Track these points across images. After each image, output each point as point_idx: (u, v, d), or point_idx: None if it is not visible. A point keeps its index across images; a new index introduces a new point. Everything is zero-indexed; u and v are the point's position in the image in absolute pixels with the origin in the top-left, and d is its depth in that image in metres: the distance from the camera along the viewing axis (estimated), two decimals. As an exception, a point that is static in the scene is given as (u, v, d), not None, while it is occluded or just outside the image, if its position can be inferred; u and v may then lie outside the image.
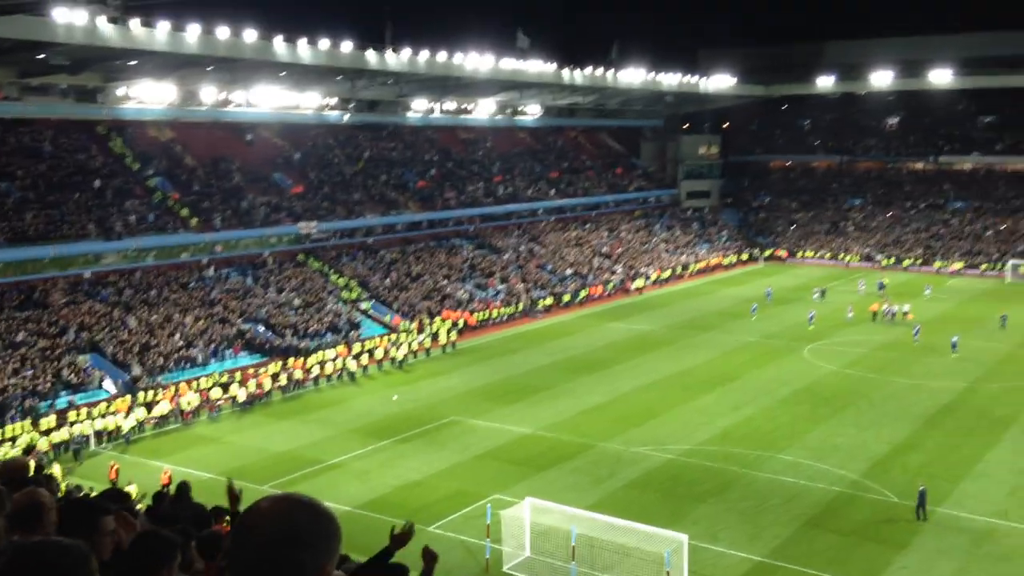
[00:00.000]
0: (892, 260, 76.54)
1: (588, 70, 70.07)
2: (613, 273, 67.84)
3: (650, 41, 78.09)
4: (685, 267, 73.39)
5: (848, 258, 78.47)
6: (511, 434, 34.91)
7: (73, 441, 33.09)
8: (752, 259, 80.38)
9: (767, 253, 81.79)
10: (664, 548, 21.93)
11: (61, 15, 37.20)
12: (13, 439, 32.02)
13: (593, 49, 75.23)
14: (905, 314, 54.46)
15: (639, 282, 67.16)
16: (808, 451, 32.27)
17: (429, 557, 5.99)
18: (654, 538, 22.77)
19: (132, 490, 22.88)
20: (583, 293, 62.56)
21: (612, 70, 71.61)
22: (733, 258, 79.25)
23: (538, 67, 65.33)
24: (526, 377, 43.40)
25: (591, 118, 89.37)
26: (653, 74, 74.71)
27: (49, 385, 35.97)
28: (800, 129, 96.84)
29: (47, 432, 33.04)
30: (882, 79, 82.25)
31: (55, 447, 32.55)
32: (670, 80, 77.15)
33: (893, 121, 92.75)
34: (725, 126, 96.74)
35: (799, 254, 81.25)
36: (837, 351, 47.67)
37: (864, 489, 28.76)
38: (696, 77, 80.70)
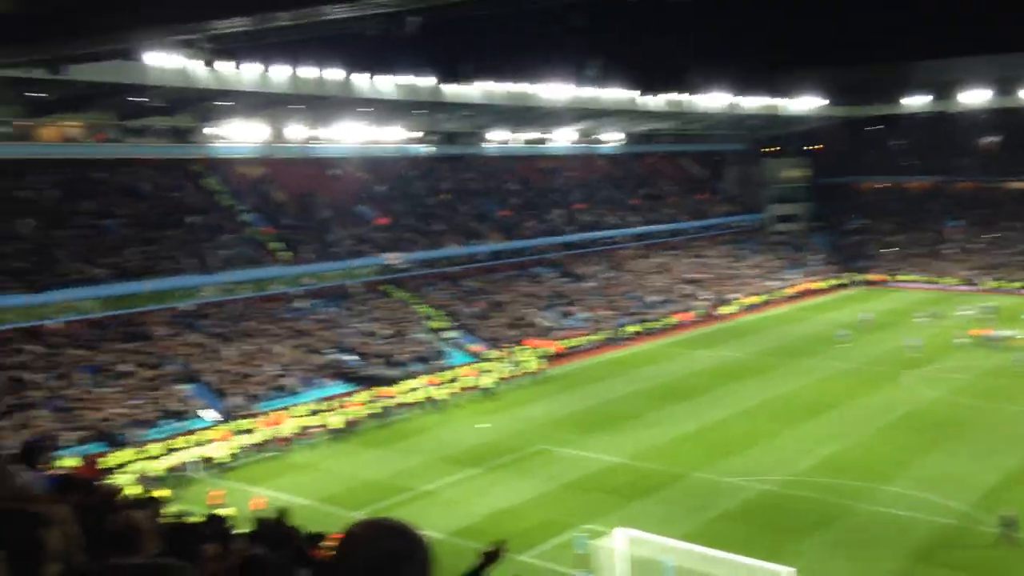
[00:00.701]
0: (996, 283, 73.33)
1: (667, 96, 69.65)
2: (699, 299, 66.77)
3: (731, 64, 77.25)
4: (775, 293, 71.76)
5: (948, 281, 75.53)
6: (600, 463, 34.43)
7: (177, 468, 33.98)
8: (846, 284, 78.08)
9: (861, 277, 79.33)
10: (766, 581, 21.17)
11: (156, 59, 38.81)
12: (122, 465, 33.04)
13: (672, 75, 74.79)
14: (1010, 339, 52.00)
15: (727, 308, 65.93)
16: (914, 481, 30.87)
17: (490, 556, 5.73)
18: (757, 571, 22.00)
19: (230, 515, 23.26)
20: (669, 320, 61.69)
21: (691, 95, 71.02)
22: (826, 283, 77.13)
23: (615, 94, 65.27)
24: (613, 405, 42.87)
25: (671, 143, 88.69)
26: (734, 98, 73.81)
27: (154, 414, 37.12)
28: (892, 149, 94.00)
29: (155, 458, 34.06)
30: (978, 97, 79.50)
31: (157, 477, 33.43)
32: (752, 103, 76.11)
33: (991, 140, 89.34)
34: (813, 148, 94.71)
35: (895, 277, 78.55)
36: (940, 377, 45.72)
37: (975, 521, 27.34)
38: (780, 99, 79.40)
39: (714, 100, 72.25)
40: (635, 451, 35.56)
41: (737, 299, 67.93)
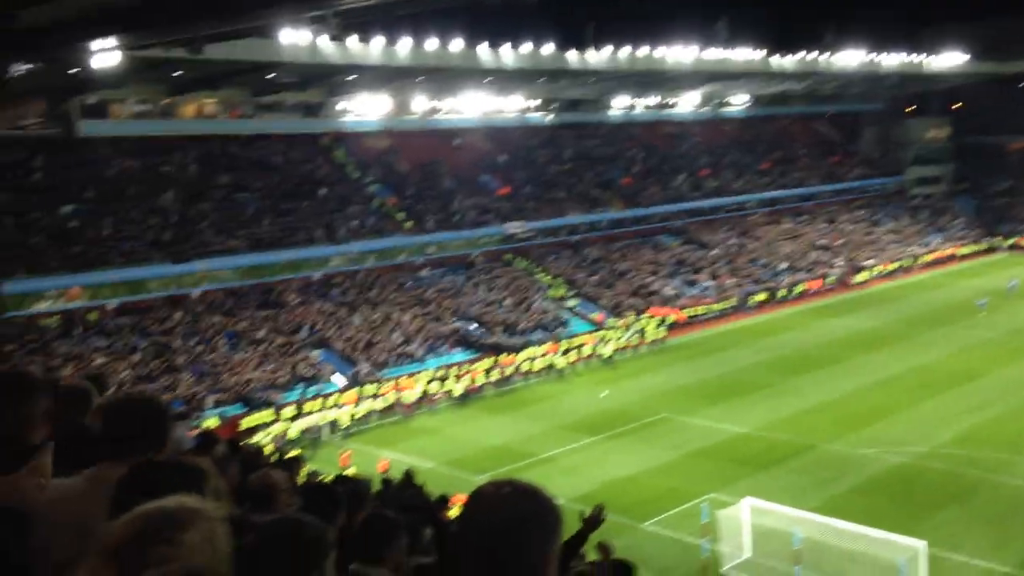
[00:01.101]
0: None
1: (800, 55, 66.80)
2: (832, 267, 64.27)
3: (868, 20, 73.23)
4: (914, 259, 68.28)
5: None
6: (725, 433, 33.77)
7: (309, 431, 35.45)
8: (992, 249, 73.47)
9: (1010, 242, 74.44)
10: (899, 556, 20.31)
11: (287, 36, 39.95)
12: (259, 427, 34.71)
13: (805, 33, 71.61)
14: None
15: (862, 275, 63.19)
16: (1064, 456, 28.93)
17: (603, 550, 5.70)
18: (888, 544, 21.13)
19: (359, 476, 24.06)
20: (799, 288, 59.68)
21: (826, 54, 67.86)
22: (970, 248, 72.82)
23: (745, 55, 63.05)
24: (740, 374, 41.91)
25: (804, 105, 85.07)
26: (872, 55, 70.06)
27: (287, 378, 38.80)
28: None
29: (288, 421, 35.65)
30: None
31: (291, 439, 34.91)
32: (891, 61, 72.06)
33: None
34: (956, 106, 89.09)
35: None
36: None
37: None
38: (921, 56, 74.86)
39: (850, 58, 68.76)
40: (762, 421, 34.70)
41: (872, 266, 65.01)
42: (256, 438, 32.90)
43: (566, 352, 45.09)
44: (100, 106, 46.22)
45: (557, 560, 2.00)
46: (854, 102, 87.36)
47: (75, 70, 35.41)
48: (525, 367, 43.23)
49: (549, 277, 54.93)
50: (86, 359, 36.15)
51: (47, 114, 45.24)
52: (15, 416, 3.15)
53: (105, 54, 30.67)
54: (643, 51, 57.47)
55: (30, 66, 28.03)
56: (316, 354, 41.50)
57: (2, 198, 41.30)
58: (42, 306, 38.45)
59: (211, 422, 32.70)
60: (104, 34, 24.89)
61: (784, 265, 63.16)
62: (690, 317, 52.84)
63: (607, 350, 45.88)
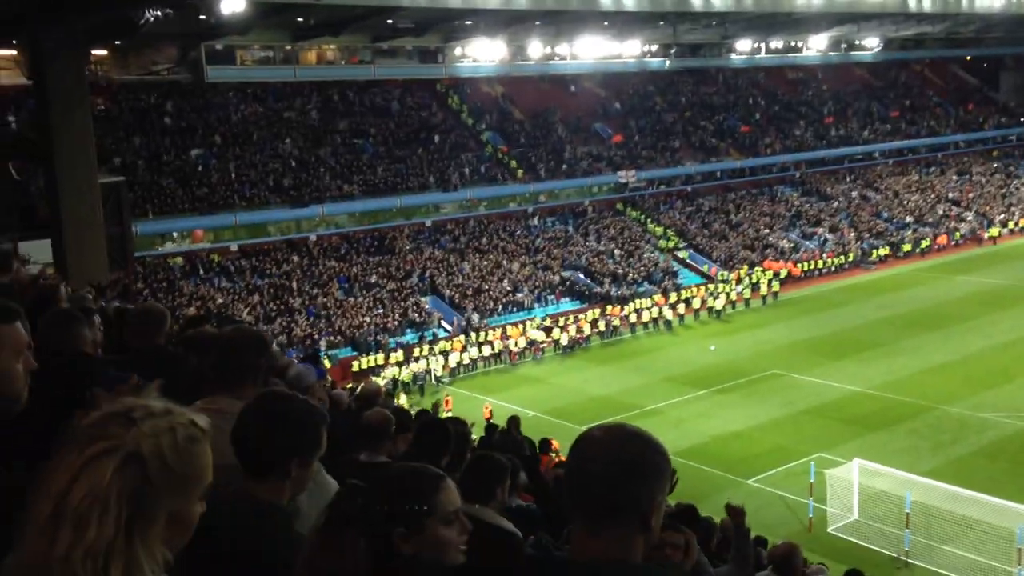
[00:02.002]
0: None
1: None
2: (962, 221, 61.02)
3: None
4: (1053, 214, 64.07)
5: None
6: (839, 391, 32.88)
7: (418, 375, 36.38)
8: None
9: None
10: (1017, 523, 19.50)
11: (407, -20, 40.16)
12: (370, 370, 35.86)
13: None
14: None
15: (994, 230, 59.80)
16: None
17: (735, 513, 5.70)
18: (1005, 512, 20.29)
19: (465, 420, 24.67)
20: (925, 243, 57.00)
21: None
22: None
23: (878, -6, 59.73)
24: (856, 332, 40.56)
25: (940, 48, 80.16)
26: (1019, -6, 65.26)
27: (397, 323, 39.82)
28: None
29: (398, 364, 36.67)
30: None
31: (402, 382, 35.90)
32: (1040, -1, 66.91)
33: None
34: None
35: None
36: None
37: None
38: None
39: (993, -2, 64.26)
40: (879, 381, 33.59)
41: (1007, 220, 61.37)
42: (374, 380, 34.08)
43: (675, 304, 44.58)
44: (227, 52, 47.76)
45: (663, 507, 1.98)
46: (994, 46, 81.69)
47: (204, 16, 36.67)
48: (632, 318, 43.01)
49: (660, 228, 54.17)
50: (208, 299, 38.01)
51: (177, 60, 47.09)
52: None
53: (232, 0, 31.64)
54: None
55: (163, 12, 29.13)
56: (425, 300, 42.37)
57: (136, 141, 43.41)
58: (169, 247, 40.56)
59: (323, 364, 33.94)
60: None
61: (910, 219, 60.37)
62: (806, 271, 51.28)
63: (718, 304, 45.10)
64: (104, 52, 43.11)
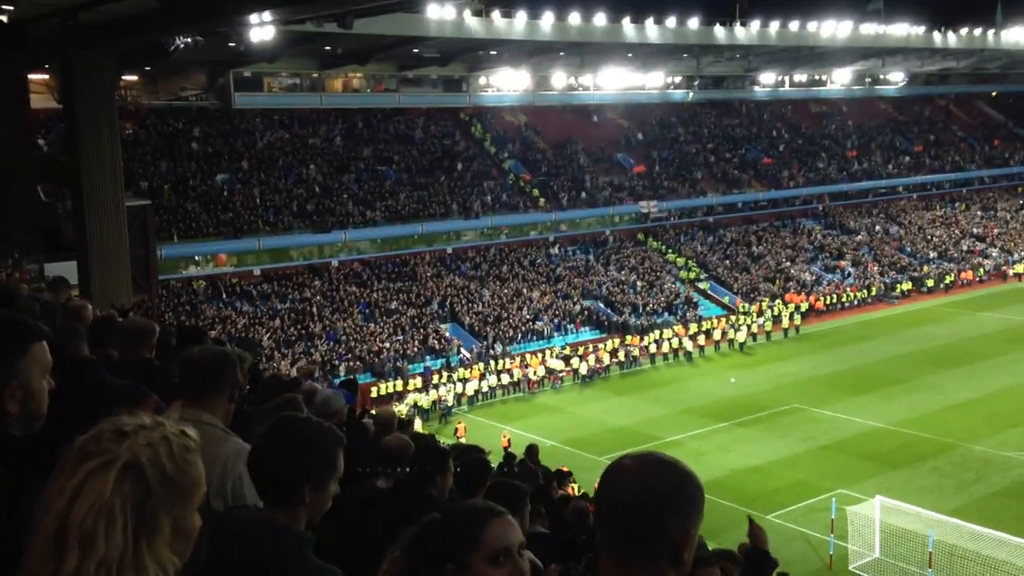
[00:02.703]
0: None
1: (964, 31, 62.76)
2: (987, 257, 60.47)
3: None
4: (1080, 252, 63.38)
5: None
6: (860, 427, 32.49)
7: (435, 402, 36.24)
8: None
9: None
10: (1045, 568, 19.14)
11: (433, 11, 40.68)
12: (388, 396, 35.84)
13: (971, 7, 67.09)
14: None
15: (1019, 267, 59.19)
16: None
17: (755, 532, 5.42)
18: (1032, 555, 19.95)
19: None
20: (949, 278, 56.49)
21: (994, 30, 63.44)
22: None
23: (904, 30, 59.78)
24: (879, 367, 40.14)
25: (966, 84, 79.96)
26: (1046, 30, 65.01)
27: (416, 350, 39.84)
28: None
29: (417, 391, 36.60)
30: None
31: (420, 408, 35.74)
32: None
33: None
34: None
35: None
36: None
37: None
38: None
39: (1020, 35, 64.02)
40: (901, 417, 33.18)
41: (1034, 258, 60.78)
42: (396, 407, 34.10)
43: (695, 336, 44.35)
44: (254, 79, 48.48)
45: (695, 540, 1.93)
46: (1020, 82, 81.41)
47: (233, 44, 37.26)
48: (652, 349, 42.83)
49: (682, 258, 54.05)
50: (231, 322, 38.22)
51: (206, 86, 47.82)
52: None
53: (261, 28, 32.12)
54: (794, 25, 55.43)
55: (193, 39, 29.63)
56: (445, 327, 42.39)
57: (163, 165, 43.98)
58: (192, 270, 40.92)
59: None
60: (262, 8, 26.02)
61: (933, 253, 59.91)
62: (828, 305, 50.93)
63: (740, 336, 44.85)
64: (134, 77, 43.89)
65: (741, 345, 44.51)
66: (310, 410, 5.63)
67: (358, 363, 37.91)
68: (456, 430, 31.85)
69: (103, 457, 1.48)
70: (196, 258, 41.21)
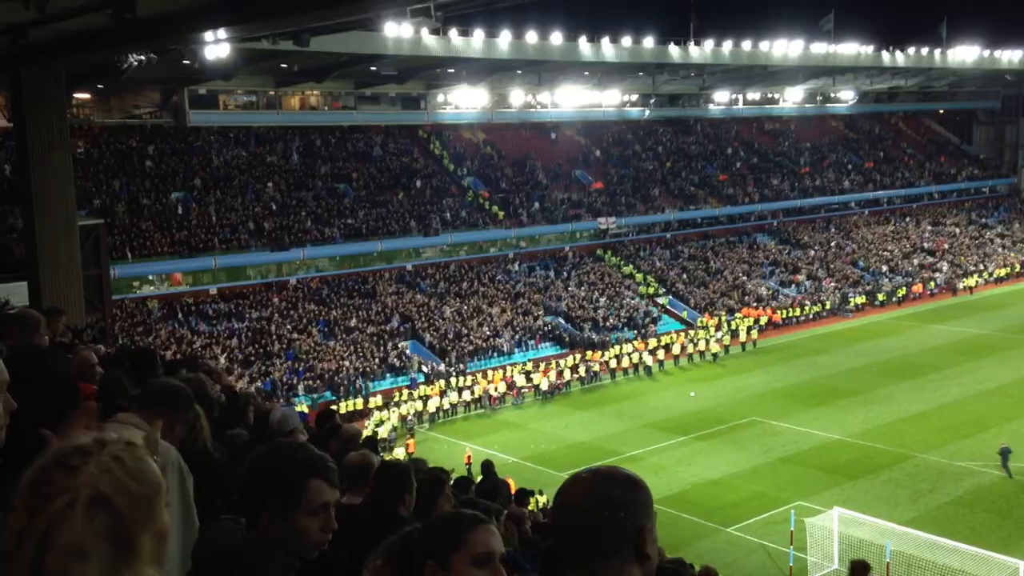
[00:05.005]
0: None
1: (911, 50, 64.35)
2: (937, 271, 61.82)
3: (988, 13, 69.96)
4: (1025, 265, 65.10)
5: None
6: (817, 439, 32.93)
7: (404, 420, 35.92)
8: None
9: None
10: (997, 574, 19.50)
11: (390, 29, 40.68)
12: (347, 414, 35.47)
13: (918, 26, 68.89)
14: None
15: (969, 280, 60.60)
16: None
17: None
18: (986, 562, 20.32)
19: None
20: (901, 292, 57.63)
21: (940, 49, 65.13)
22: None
23: (853, 49, 61.13)
24: (834, 379, 40.77)
25: (914, 102, 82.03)
26: (990, 51, 66.93)
27: (376, 368, 39.58)
28: None
29: (376, 409, 36.30)
30: None
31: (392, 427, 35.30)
32: (1011, 57, 68.69)
33: None
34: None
35: None
36: None
37: None
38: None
39: (966, 54, 65.80)
40: (856, 429, 33.70)
41: (981, 271, 62.28)
42: (372, 424, 33.84)
43: (655, 350, 44.67)
44: (210, 96, 48.05)
45: (654, 535, 2.01)
46: (967, 100, 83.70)
47: (188, 61, 36.90)
48: (612, 364, 43.03)
49: (641, 274, 54.49)
50: (186, 342, 37.67)
51: (160, 103, 47.27)
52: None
53: (216, 46, 31.82)
54: (747, 45, 56.38)
55: (145, 57, 29.27)
56: (405, 344, 42.18)
57: (116, 184, 43.33)
58: (147, 290, 40.28)
59: (301, 408, 33.60)
60: (216, 25, 25.81)
61: (886, 268, 61.09)
62: (784, 318, 51.65)
63: (697, 349, 45.31)
64: (87, 95, 43.26)
65: (715, 356, 45.02)
66: (266, 430, 5.58)
67: (317, 381, 37.57)
68: (407, 446, 31.70)
69: (64, 497, 1.42)
70: (151, 277, 40.59)
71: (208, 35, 28.86)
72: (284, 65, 45.03)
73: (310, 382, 37.32)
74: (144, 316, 39.28)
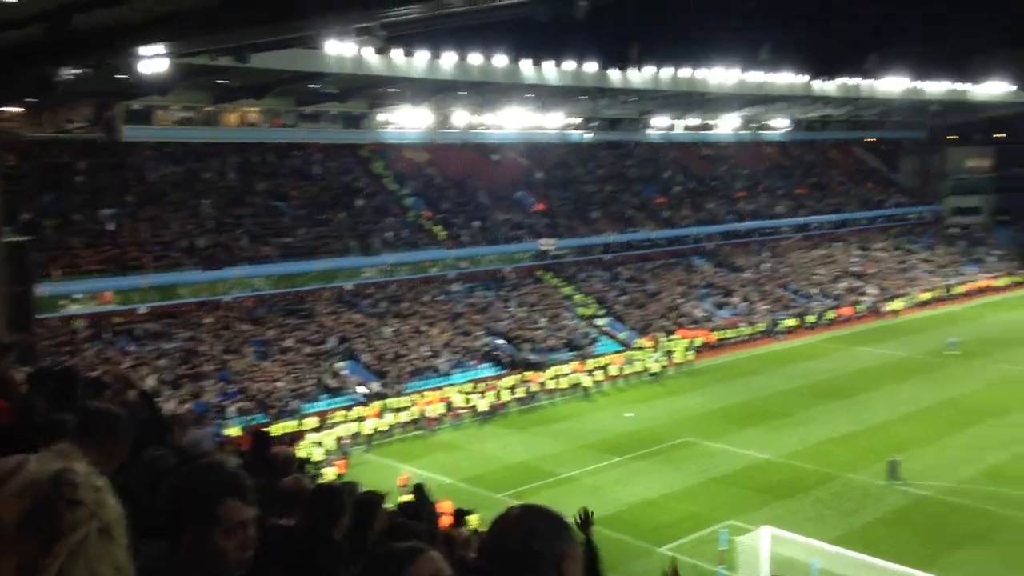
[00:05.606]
0: None
1: (842, 80, 66.44)
2: (865, 294, 63.63)
3: (913, 47, 72.60)
4: (948, 290, 67.41)
5: None
6: (749, 459, 33.56)
7: (342, 443, 35.58)
8: (1030, 282, 72.35)
9: (1049, 276, 73.18)
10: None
11: (333, 47, 40.62)
12: (281, 437, 34.97)
13: (848, 58, 71.12)
14: None
15: (895, 304, 62.50)
16: (1096, 499, 28.41)
17: None
18: (908, 581, 20.95)
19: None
20: (830, 315, 59.17)
21: (869, 80, 67.37)
22: (1005, 280, 71.73)
23: (787, 79, 62.87)
24: (766, 401, 41.62)
25: (844, 130, 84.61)
26: (916, 82, 69.47)
27: (312, 389, 39.17)
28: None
29: (312, 431, 35.90)
30: None
31: (329, 449, 34.95)
32: (936, 88, 71.38)
33: None
34: (999, 137, 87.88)
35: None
36: None
37: None
38: (966, 84, 74.06)
39: (893, 85, 68.19)
40: (787, 449, 34.44)
41: (906, 295, 64.31)
42: (309, 447, 33.41)
43: (592, 371, 45.08)
44: (145, 111, 47.29)
45: (577, 560, 2.31)
46: (895, 129, 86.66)
47: (123, 76, 36.27)
48: (551, 384, 43.29)
49: (580, 295, 54.99)
50: (114, 362, 36.75)
51: (93, 118, 46.32)
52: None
53: (153, 60, 31.39)
54: (685, 72, 57.59)
55: (79, 70, 28.73)
56: (343, 365, 41.84)
57: (45, 199, 42.28)
58: (74, 308, 39.19)
59: (233, 431, 33.10)
60: (153, 40, 25.50)
61: (816, 291, 62.68)
62: (719, 340, 52.60)
63: (635, 370, 45.91)
64: (18, 109, 42.20)
65: (637, 379, 45.54)
66: (175, 450, 5.59)
67: (250, 403, 37.00)
68: (337, 467, 31.44)
69: (78, 531, 1.40)
70: (78, 296, 39.45)
71: (145, 50, 28.55)
72: (223, 81, 44.55)
73: (243, 404, 36.73)
74: (70, 336, 38.24)
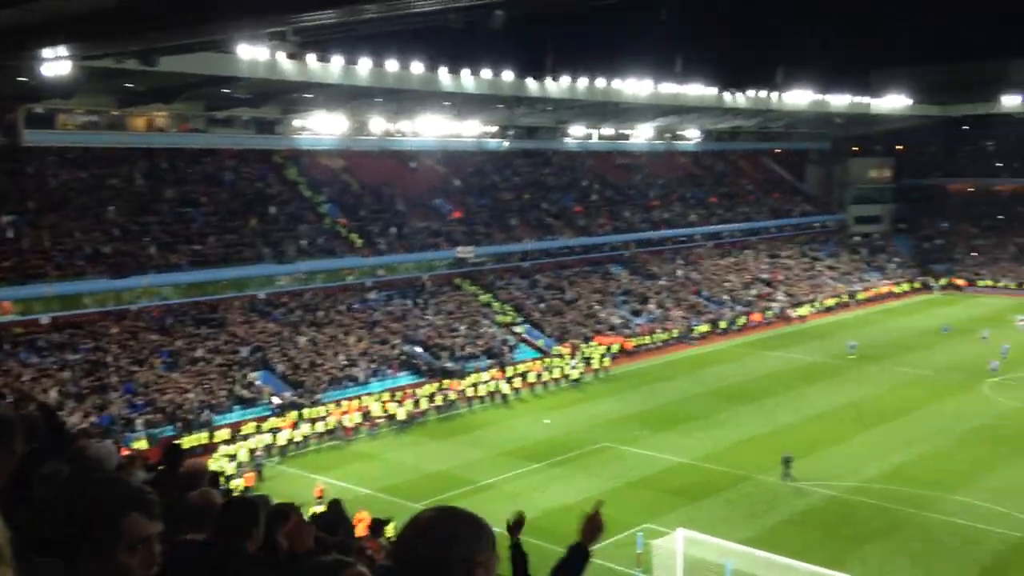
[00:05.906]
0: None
1: (751, 93, 68.42)
2: (773, 300, 65.56)
3: (818, 61, 75.40)
4: (852, 295, 70.00)
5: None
6: (664, 462, 34.18)
7: (255, 455, 34.75)
8: (926, 288, 75.69)
9: (943, 282, 76.72)
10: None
11: (245, 52, 39.88)
12: (192, 449, 34.07)
13: (757, 71, 73.37)
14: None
15: (802, 310, 64.56)
16: (987, 493, 29.83)
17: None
18: (816, 578, 21.61)
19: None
20: (741, 320, 60.75)
21: (777, 92, 69.58)
22: (905, 287, 74.90)
23: (699, 91, 64.41)
24: (680, 404, 42.47)
25: (754, 141, 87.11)
26: (821, 95, 72.04)
27: (224, 400, 38.23)
28: (983, 151, 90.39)
29: (224, 443, 35.01)
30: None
31: (241, 462, 34.08)
32: (839, 101, 74.14)
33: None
34: (899, 148, 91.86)
35: (980, 283, 75.72)
36: (1021, 387, 44.00)
37: (1054, 539, 26.27)
38: (868, 98, 77.18)
39: (799, 97, 70.58)
40: (700, 452, 35.19)
41: (812, 301, 66.49)
42: (220, 458, 32.55)
43: (511, 378, 45.24)
44: (47, 115, 45.58)
45: (490, 564, 2.27)
46: (801, 141, 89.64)
47: (24, 78, 34.89)
48: (470, 392, 43.27)
49: (498, 302, 55.14)
50: (13, 375, 35.24)
51: (-9, 121, 44.42)
52: None
53: (56, 63, 30.30)
54: (600, 82, 58.41)
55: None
56: (256, 375, 40.95)
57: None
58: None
59: (140, 444, 32.12)
60: (57, 43, 24.63)
61: (727, 297, 64.26)
62: (636, 346, 53.43)
63: (552, 377, 46.26)
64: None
65: (575, 381, 45.94)
66: (76, 465, 5.40)
67: (159, 415, 35.90)
68: (245, 479, 30.81)
69: None
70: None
71: (47, 52, 27.53)
72: (129, 85, 43.29)
73: (151, 416, 35.61)
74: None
